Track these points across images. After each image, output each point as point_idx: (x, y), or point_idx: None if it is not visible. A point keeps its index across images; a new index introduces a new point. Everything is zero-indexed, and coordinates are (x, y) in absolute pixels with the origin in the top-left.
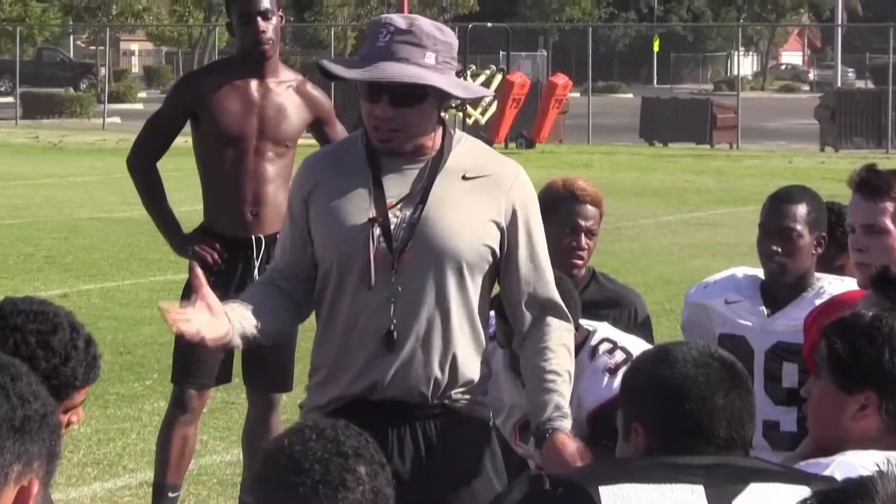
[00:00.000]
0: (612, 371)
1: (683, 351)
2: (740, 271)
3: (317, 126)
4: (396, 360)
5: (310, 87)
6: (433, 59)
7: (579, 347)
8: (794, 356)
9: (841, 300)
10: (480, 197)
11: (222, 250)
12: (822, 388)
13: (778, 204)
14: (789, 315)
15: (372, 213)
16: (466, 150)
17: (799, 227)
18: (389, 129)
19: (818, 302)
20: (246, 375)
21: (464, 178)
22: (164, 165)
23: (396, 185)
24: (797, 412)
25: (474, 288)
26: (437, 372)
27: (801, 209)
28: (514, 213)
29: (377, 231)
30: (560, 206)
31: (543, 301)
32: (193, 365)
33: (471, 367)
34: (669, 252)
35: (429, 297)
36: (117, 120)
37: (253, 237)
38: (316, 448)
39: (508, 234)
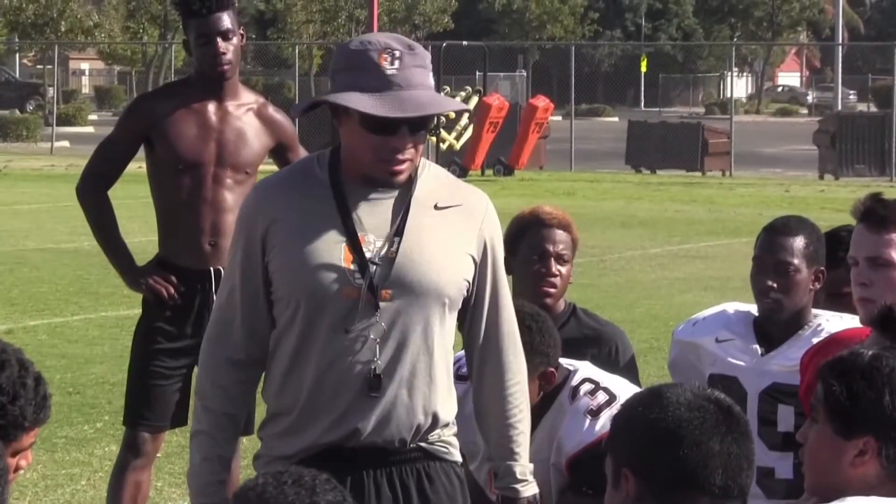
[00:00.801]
0: (594, 413)
1: (677, 393)
2: (732, 307)
3: (279, 152)
4: (379, 405)
5: (271, 110)
6: (432, 79)
7: (559, 388)
8: (789, 398)
9: (839, 338)
10: (455, 228)
11: (178, 283)
12: (818, 432)
13: (773, 236)
14: (785, 354)
15: (345, 250)
16: (433, 178)
17: (796, 260)
18: (403, 160)
19: (815, 340)
20: None
21: (436, 207)
22: (116, 193)
23: (367, 216)
24: (793, 458)
25: (451, 324)
26: (419, 415)
27: (799, 241)
28: (485, 245)
29: (352, 267)
30: (526, 232)
31: (505, 339)
32: (147, 406)
33: (448, 408)
34: (657, 286)
35: (413, 336)
36: (66, 144)
37: (211, 269)
38: (289, 493)
39: (480, 267)
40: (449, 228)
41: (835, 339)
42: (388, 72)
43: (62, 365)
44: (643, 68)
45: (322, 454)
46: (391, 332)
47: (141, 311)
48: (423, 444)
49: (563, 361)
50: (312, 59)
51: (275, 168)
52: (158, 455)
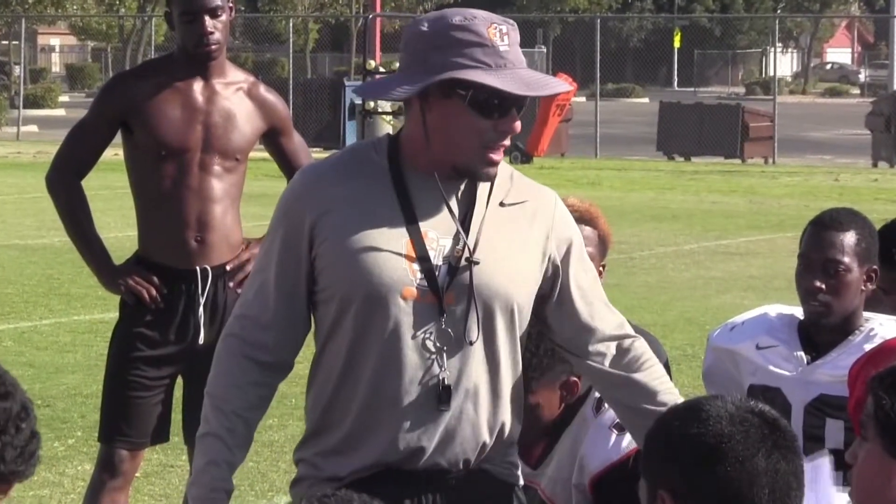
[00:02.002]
0: (621, 428)
1: (717, 405)
2: (774, 310)
3: (271, 136)
4: (444, 420)
5: (263, 91)
6: None
7: (581, 400)
8: (838, 411)
9: (893, 346)
10: (524, 228)
11: (160, 284)
12: (868, 451)
13: (821, 231)
14: (833, 363)
15: (407, 246)
16: (497, 173)
17: (846, 259)
18: (505, 147)
19: (867, 347)
20: (188, 433)
21: (501, 204)
22: (90, 183)
23: (430, 211)
24: (842, 479)
25: (520, 333)
26: (485, 434)
27: (849, 237)
28: (564, 246)
29: (415, 266)
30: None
31: (603, 329)
32: (125, 420)
33: (514, 427)
34: (692, 287)
35: (478, 345)
36: (34, 128)
37: (197, 268)
38: None
39: (562, 269)
40: (517, 228)
41: (888, 347)
42: (501, 48)
43: (30, 375)
44: (676, 44)
45: (376, 476)
46: (455, 339)
47: (118, 314)
48: (486, 466)
49: None
50: (308, 33)
51: (266, 155)
52: (137, 475)
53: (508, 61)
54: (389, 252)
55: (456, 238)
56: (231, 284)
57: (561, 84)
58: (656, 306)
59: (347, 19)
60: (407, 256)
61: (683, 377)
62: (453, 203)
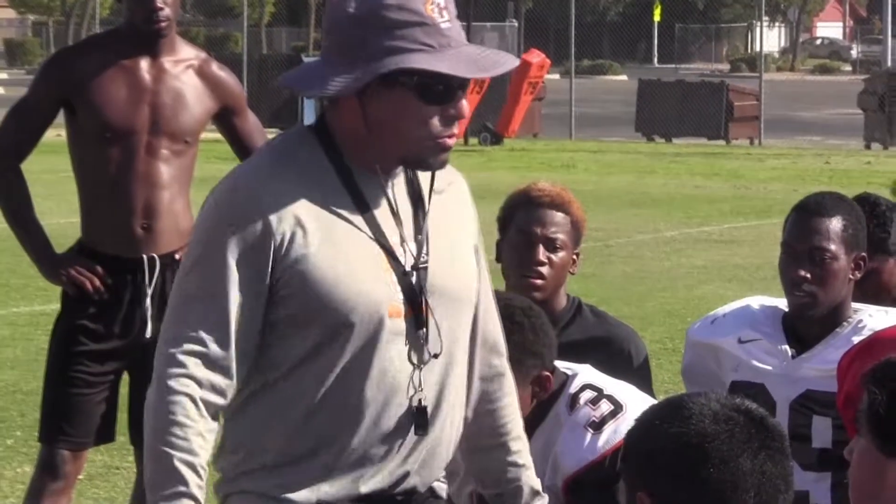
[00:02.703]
0: (597, 426)
1: (700, 403)
2: (757, 301)
3: (224, 117)
4: (427, 444)
5: (215, 68)
6: None
7: (555, 396)
8: (826, 408)
9: (885, 337)
10: (455, 216)
11: (104, 274)
12: (861, 449)
13: (805, 217)
14: (820, 357)
15: (381, 258)
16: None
17: (832, 246)
18: (455, 134)
19: (856, 340)
20: (134, 433)
21: (436, 192)
22: (30, 166)
23: (384, 214)
24: (831, 479)
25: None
26: (453, 449)
27: (835, 224)
28: (477, 234)
29: (393, 279)
30: (515, 213)
31: (494, 341)
32: (67, 419)
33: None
34: (672, 276)
35: (453, 357)
36: None
37: (144, 257)
38: None
39: (478, 261)
40: (450, 217)
41: (879, 339)
42: (443, 25)
43: None
44: (656, 17)
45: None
46: (432, 354)
47: (60, 306)
48: (435, 483)
49: (560, 365)
50: (264, 6)
51: (218, 136)
52: (80, 477)
53: (452, 39)
54: (369, 268)
55: (417, 241)
56: None
57: (511, 59)
58: (634, 297)
59: None
60: (384, 269)
61: (663, 373)
62: (403, 200)
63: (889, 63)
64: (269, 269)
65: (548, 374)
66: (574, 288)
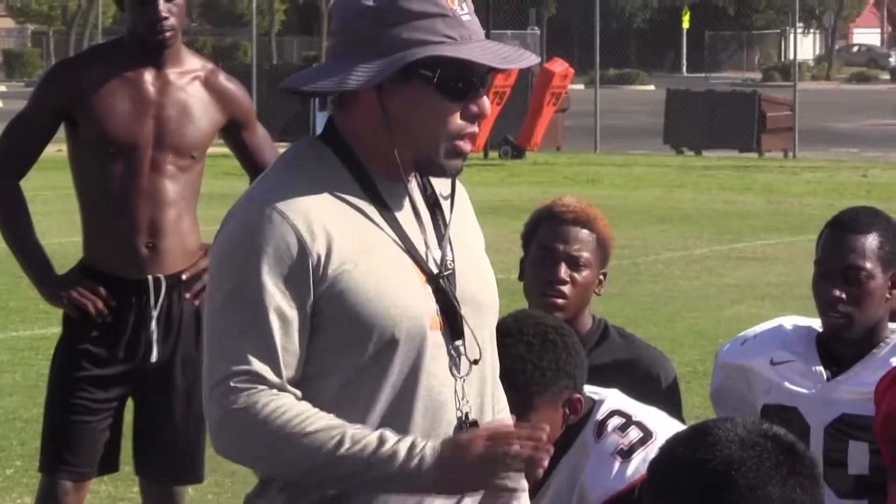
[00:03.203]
0: (626, 454)
1: (726, 428)
2: (789, 321)
3: (232, 131)
4: None
5: (223, 79)
6: None
7: (582, 422)
8: (862, 432)
9: None
10: (467, 220)
11: (108, 296)
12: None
13: (840, 234)
14: (856, 379)
15: (414, 269)
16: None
17: (868, 264)
18: (475, 131)
19: (894, 361)
20: (139, 463)
21: (443, 197)
22: (29, 183)
23: (409, 222)
24: None
25: None
26: None
27: (871, 240)
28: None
29: (429, 290)
30: (538, 229)
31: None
32: (69, 448)
33: None
34: (703, 296)
35: (487, 366)
36: None
37: (149, 278)
38: None
39: None
40: (464, 221)
41: None
42: (464, 18)
43: None
44: (685, 24)
45: None
46: (470, 365)
47: (61, 330)
48: None
49: (587, 389)
50: (273, 14)
51: (226, 151)
52: None
53: (473, 31)
54: (406, 279)
55: (441, 248)
56: (187, 295)
57: (533, 56)
58: (663, 318)
59: None
60: (419, 280)
61: (694, 397)
62: (422, 206)
63: None
64: (311, 292)
65: (580, 396)
66: (600, 308)
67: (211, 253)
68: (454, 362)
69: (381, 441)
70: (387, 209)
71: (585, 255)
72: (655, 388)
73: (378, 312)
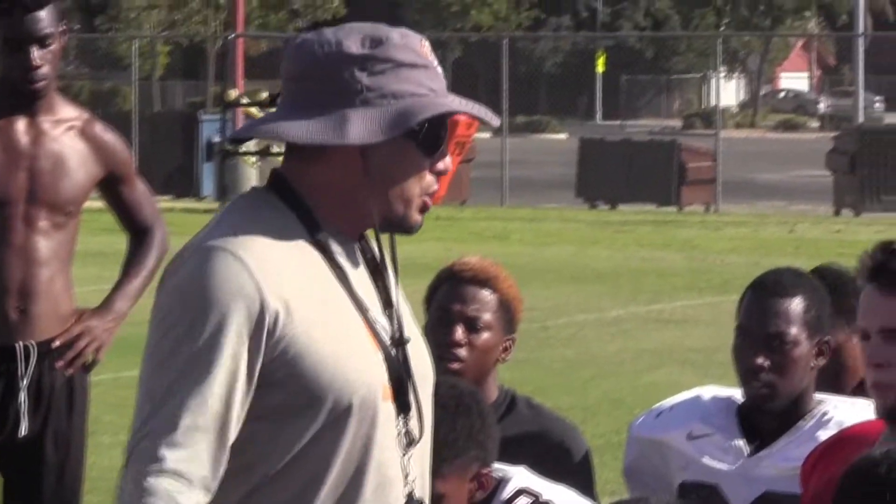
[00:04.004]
0: None
1: None
2: (708, 392)
3: (109, 185)
4: None
5: (99, 130)
6: None
7: (487, 501)
8: None
9: (852, 435)
10: (402, 288)
11: None
12: None
13: (763, 298)
14: (780, 454)
15: (367, 335)
16: None
17: (793, 330)
18: (437, 191)
19: (821, 434)
20: (8, 501)
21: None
22: None
23: (360, 285)
24: None
25: None
26: None
27: (796, 305)
28: None
29: (380, 358)
30: (438, 290)
31: None
32: None
33: None
34: (619, 361)
35: (427, 442)
36: None
37: (19, 345)
38: None
39: None
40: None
41: (847, 436)
42: (438, 69)
43: None
44: (600, 68)
45: None
46: (414, 439)
47: None
48: None
49: (495, 466)
50: (156, 56)
51: (101, 206)
52: None
53: (444, 83)
54: (361, 344)
55: (388, 314)
56: (59, 364)
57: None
58: (576, 385)
59: (203, 40)
60: (373, 346)
61: (608, 471)
62: (362, 267)
63: (861, 118)
64: (263, 350)
65: (488, 471)
66: (507, 375)
67: (158, 302)
68: (401, 437)
69: None
70: (340, 269)
71: (485, 316)
72: (566, 463)
73: (335, 377)
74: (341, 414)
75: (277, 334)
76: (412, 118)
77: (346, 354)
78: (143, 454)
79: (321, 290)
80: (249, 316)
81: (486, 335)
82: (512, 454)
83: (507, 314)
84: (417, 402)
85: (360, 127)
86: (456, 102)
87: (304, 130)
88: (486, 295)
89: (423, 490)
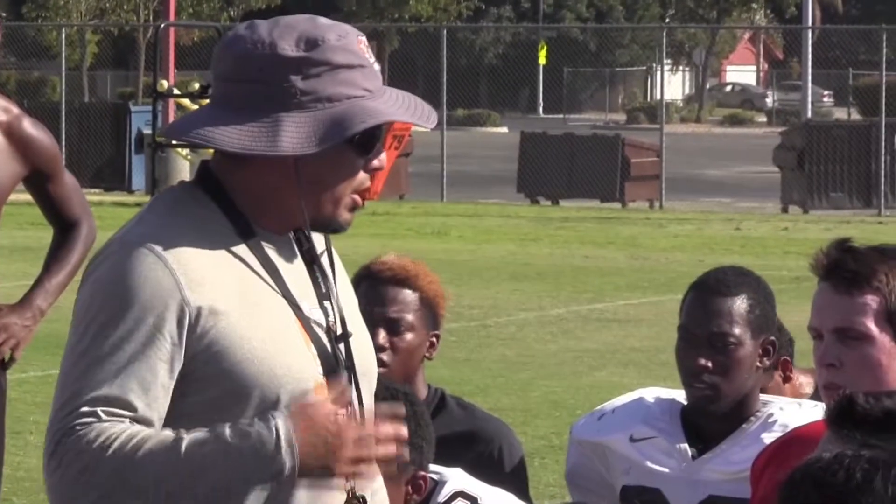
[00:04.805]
0: None
1: None
2: (650, 394)
3: (36, 180)
4: None
5: (27, 126)
6: None
7: None
8: None
9: (803, 435)
10: (345, 281)
11: None
12: None
13: (705, 297)
14: (724, 457)
15: (299, 329)
16: None
17: (737, 330)
18: (369, 188)
19: (766, 437)
20: None
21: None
22: None
23: (293, 279)
24: None
25: None
26: None
27: (740, 304)
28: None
29: (313, 353)
30: (357, 292)
31: None
32: None
33: None
34: (560, 362)
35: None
36: None
37: None
38: None
39: None
40: (343, 281)
41: (798, 436)
42: (376, 67)
43: None
44: (542, 60)
45: None
46: None
47: None
48: None
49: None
50: (85, 46)
51: (28, 198)
52: None
53: (380, 80)
54: (290, 339)
55: (323, 308)
56: None
57: (432, 110)
58: (515, 386)
59: (134, 29)
60: (305, 340)
61: (548, 474)
62: (297, 261)
63: (809, 113)
64: (185, 345)
65: (424, 474)
66: (446, 375)
67: (80, 296)
68: None
69: (231, 428)
70: (270, 264)
71: (407, 317)
72: (499, 465)
73: (262, 371)
74: (269, 409)
75: (199, 331)
76: (347, 128)
77: (273, 350)
78: (69, 432)
79: (248, 287)
80: (169, 312)
81: (409, 336)
82: (442, 455)
83: (430, 311)
84: (359, 397)
85: (294, 135)
86: (392, 106)
87: (237, 137)
88: (407, 294)
89: (364, 487)
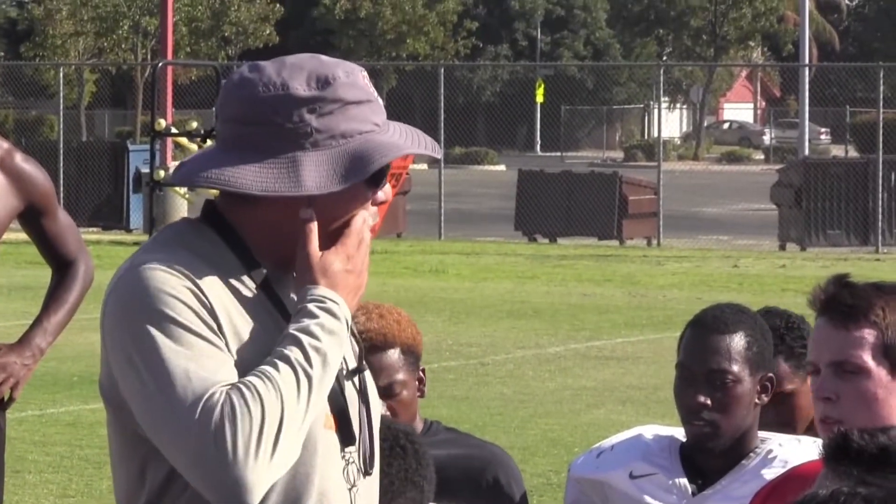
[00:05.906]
0: None
1: None
2: (649, 431)
3: (31, 217)
4: None
5: (19, 160)
6: None
7: None
8: None
9: (803, 473)
10: None
11: None
12: None
13: (703, 335)
14: (724, 493)
15: None
16: None
17: (735, 367)
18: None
19: (766, 473)
20: None
21: None
22: None
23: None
24: None
25: None
26: None
27: (738, 341)
28: None
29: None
30: None
31: None
32: None
33: None
34: (558, 400)
35: (376, 475)
36: None
37: None
38: None
39: None
40: None
41: (798, 474)
42: (380, 101)
43: None
44: (539, 98)
45: None
46: (361, 472)
47: None
48: None
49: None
50: (83, 85)
51: (24, 237)
52: None
53: (385, 113)
54: None
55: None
56: None
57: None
58: (514, 424)
59: (132, 68)
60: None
61: None
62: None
63: (807, 151)
64: (218, 334)
65: None
66: (444, 413)
67: (106, 328)
68: (349, 470)
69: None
70: (276, 298)
71: (397, 377)
72: (498, 491)
73: None
74: None
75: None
76: (368, 164)
77: None
78: (206, 412)
79: (255, 316)
80: (196, 302)
81: (404, 393)
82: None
83: (412, 355)
84: (370, 433)
85: (314, 174)
86: (402, 139)
87: (259, 180)
88: (390, 356)
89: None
